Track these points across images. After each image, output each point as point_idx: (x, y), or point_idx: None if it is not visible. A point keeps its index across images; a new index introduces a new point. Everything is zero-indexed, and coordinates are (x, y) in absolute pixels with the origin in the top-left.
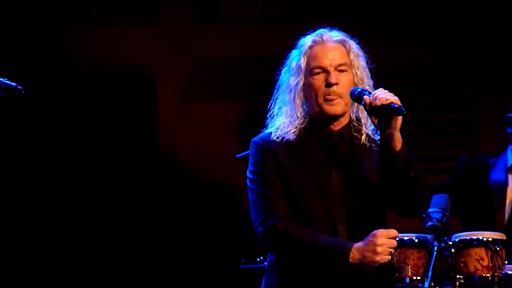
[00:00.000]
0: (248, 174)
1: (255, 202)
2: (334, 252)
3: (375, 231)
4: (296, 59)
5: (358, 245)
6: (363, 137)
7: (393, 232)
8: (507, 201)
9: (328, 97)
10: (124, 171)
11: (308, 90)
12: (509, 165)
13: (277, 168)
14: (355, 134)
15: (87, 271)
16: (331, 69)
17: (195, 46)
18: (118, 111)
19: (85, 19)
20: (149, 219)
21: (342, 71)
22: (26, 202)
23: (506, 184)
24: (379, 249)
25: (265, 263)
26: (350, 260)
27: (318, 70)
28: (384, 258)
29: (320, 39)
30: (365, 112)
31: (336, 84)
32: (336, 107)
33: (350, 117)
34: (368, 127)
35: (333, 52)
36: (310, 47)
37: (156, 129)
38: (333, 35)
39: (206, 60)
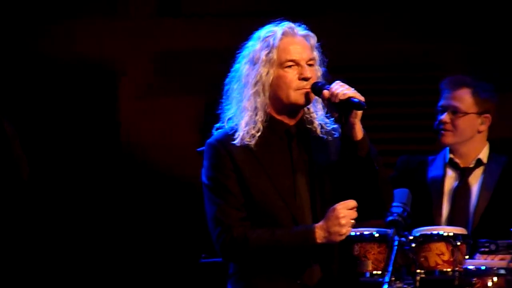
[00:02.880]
0: (204, 180)
1: (211, 211)
2: (299, 239)
3: (334, 206)
4: (264, 50)
5: (320, 224)
6: (318, 129)
7: (351, 202)
8: (446, 193)
9: (303, 90)
10: (86, 166)
11: (279, 82)
12: (447, 160)
13: (236, 175)
14: (309, 126)
15: (47, 265)
16: (303, 63)
17: (157, 39)
18: (78, 105)
19: (45, 12)
20: (110, 213)
21: (311, 65)
22: None
23: (443, 178)
24: (342, 221)
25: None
26: (318, 240)
27: (291, 63)
28: (348, 229)
29: (291, 31)
30: (315, 102)
31: (310, 77)
32: (307, 97)
33: (303, 110)
34: (319, 116)
35: (303, 46)
36: (281, 39)
37: (117, 123)
38: (300, 29)
39: (168, 53)
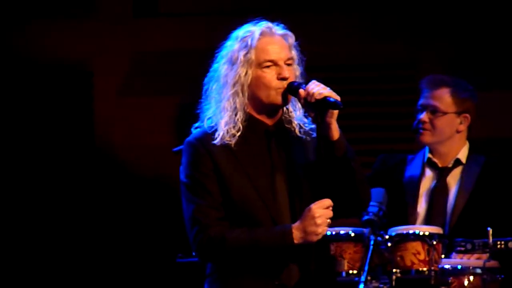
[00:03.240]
0: (182, 178)
1: (189, 211)
2: (277, 240)
3: (309, 206)
4: (242, 51)
5: (297, 224)
6: (297, 129)
7: (327, 201)
8: (422, 193)
9: (282, 90)
10: (61, 166)
11: (257, 83)
12: (426, 159)
13: (215, 174)
14: (288, 126)
15: (20, 266)
16: (281, 63)
17: (133, 39)
18: (54, 105)
19: (22, 12)
20: (86, 213)
21: (289, 65)
22: None
23: (420, 178)
24: (318, 220)
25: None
26: (295, 241)
27: (269, 63)
28: (324, 229)
29: (268, 31)
30: (294, 102)
31: (289, 77)
32: (286, 97)
33: (282, 110)
34: (298, 116)
35: (282, 46)
36: (259, 39)
37: (93, 123)
38: (278, 28)
39: (144, 53)
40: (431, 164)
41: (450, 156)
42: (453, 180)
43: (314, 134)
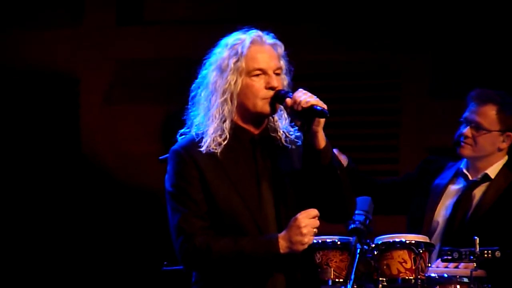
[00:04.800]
0: (168, 187)
1: (174, 219)
2: (263, 249)
3: (296, 215)
4: (232, 58)
5: (283, 234)
6: (282, 138)
7: (313, 211)
8: (444, 203)
9: (270, 99)
10: (47, 174)
11: (246, 91)
12: (459, 169)
13: (200, 183)
14: (273, 134)
15: (4, 275)
16: (270, 72)
17: (118, 48)
18: (40, 113)
19: (7, 20)
20: (72, 221)
21: (277, 74)
22: None
23: (446, 187)
24: (304, 230)
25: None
26: (281, 250)
27: (258, 72)
28: (310, 239)
29: (259, 40)
30: (279, 111)
31: (277, 87)
32: (273, 106)
33: (268, 119)
34: (283, 124)
35: (271, 55)
36: (249, 47)
37: (79, 131)
38: (268, 37)
39: (129, 62)
40: (462, 176)
41: (483, 170)
42: (478, 194)
43: (299, 142)
